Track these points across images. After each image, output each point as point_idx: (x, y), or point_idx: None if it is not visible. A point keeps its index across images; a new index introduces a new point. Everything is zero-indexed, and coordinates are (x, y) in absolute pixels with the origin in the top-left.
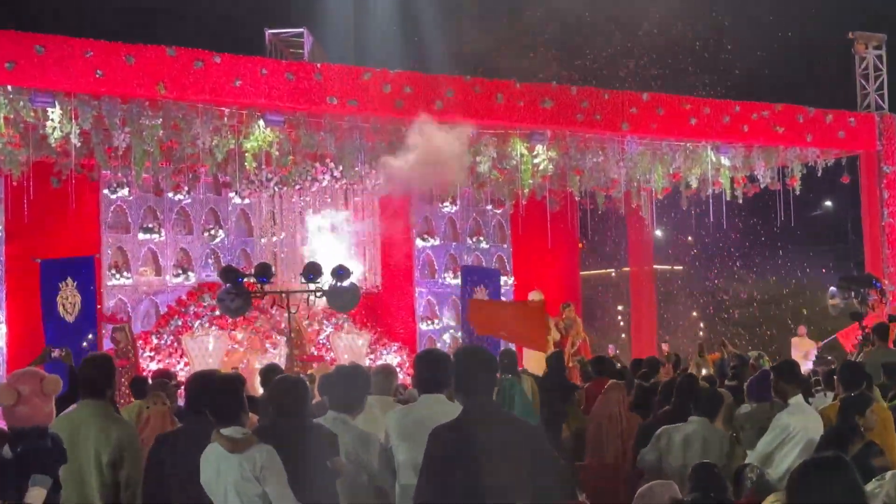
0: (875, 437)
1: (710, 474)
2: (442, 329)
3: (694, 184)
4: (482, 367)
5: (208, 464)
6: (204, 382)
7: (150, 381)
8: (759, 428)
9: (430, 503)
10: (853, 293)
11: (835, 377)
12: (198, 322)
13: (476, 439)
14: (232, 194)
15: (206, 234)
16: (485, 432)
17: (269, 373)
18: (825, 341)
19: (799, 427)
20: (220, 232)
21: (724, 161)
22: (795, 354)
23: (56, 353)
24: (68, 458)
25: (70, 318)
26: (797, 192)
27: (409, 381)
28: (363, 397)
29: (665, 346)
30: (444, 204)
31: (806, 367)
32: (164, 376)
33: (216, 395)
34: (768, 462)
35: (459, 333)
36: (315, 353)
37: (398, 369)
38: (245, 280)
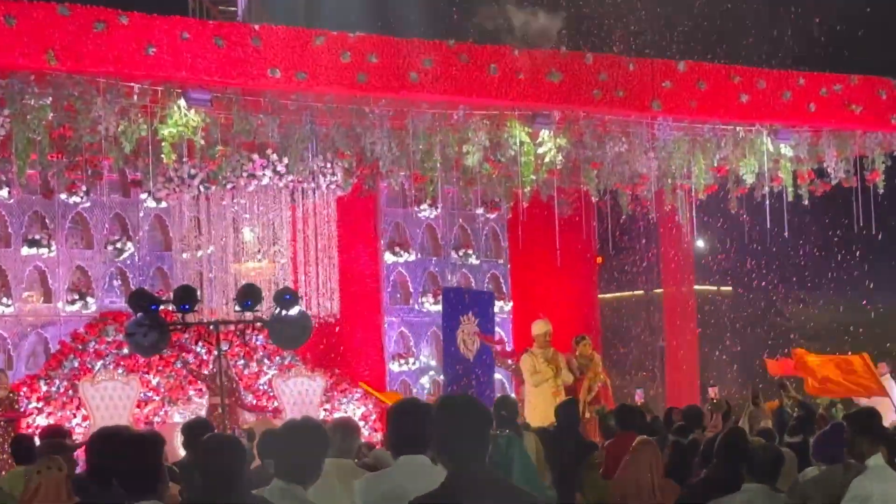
0: None
1: None
2: (419, 371)
3: (747, 180)
4: (472, 422)
5: None
6: (110, 443)
7: (37, 440)
8: (829, 497)
9: None
10: None
11: None
12: (100, 363)
13: None
14: (144, 196)
15: (110, 247)
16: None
17: (194, 430)
18: None
19: (880, 497)
20: (129, 245)
21: (785, 150)
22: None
23: None
24: None
25: None
26: (880, 190)
27: (376, 438)
28: (319, 462)
29: (712, 392)
30: (422, 207)
31: (893, 417)
32: (58, 434)
33: (126, 459)
34: None
35: (442, 376)
36: (254, 402)
37: (362, 423)
38: (162, 308)
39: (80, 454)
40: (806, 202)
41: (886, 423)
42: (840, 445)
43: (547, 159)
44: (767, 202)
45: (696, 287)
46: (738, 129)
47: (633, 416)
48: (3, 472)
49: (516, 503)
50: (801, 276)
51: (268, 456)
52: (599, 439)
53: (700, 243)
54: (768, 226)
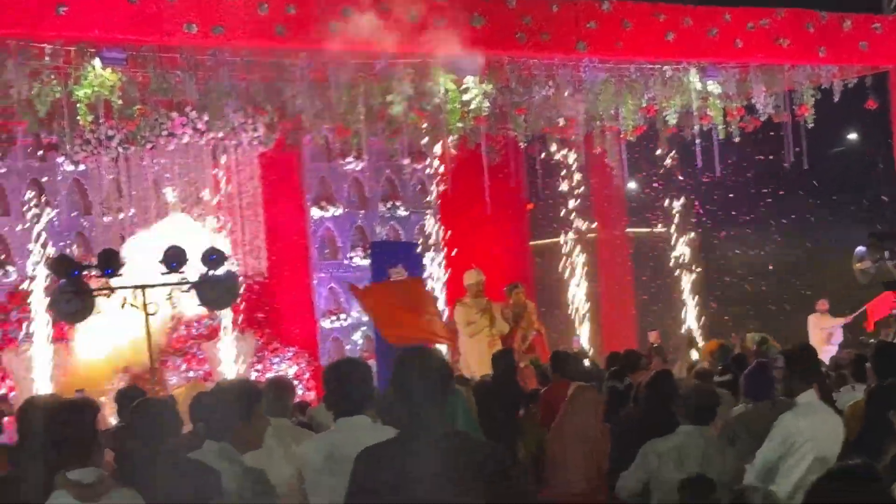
0: None
1: (705, 490)
2: (351, 326)
3: (674, 120)
4: (430, 374)
5: None
6: (42, 411)
7: None
8: (754, 433)
9: None
10: (887, 253)
11: (866, 364)
12: (23, 332)
13: (419, 464)
14: (61, 159)
15: (28, 213)
16: (431, 455)
17: (127, 396)
18: (853, 315)
19: (808, 432)
20: (48, 210)
21: (713, 87)
22: (815, 336)
23: None
24: None
25: None
26: (810, 125)
27: (310, 397)
28: (258, 422)
29: (653, 336)
30: (347, 160)
31: (829, 352)
32: None
33: (59, 427)
34: (770, 477)
35: (373, 332)
36: (182, 366)
37: (295, 382)
38: (84, 273)
39: (8, 423)
40: (737, 140)
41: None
42: (766, 383)
43: (473, 106)
44: (698, 141)
45: (630, 230)
46: (665, 68)
47: (569, 363)
48: None
49: (473, 452)
50: (734, 214)
51: (199, 419)
52: (536, 387)
53: (632, 185)
54: (699, 165)
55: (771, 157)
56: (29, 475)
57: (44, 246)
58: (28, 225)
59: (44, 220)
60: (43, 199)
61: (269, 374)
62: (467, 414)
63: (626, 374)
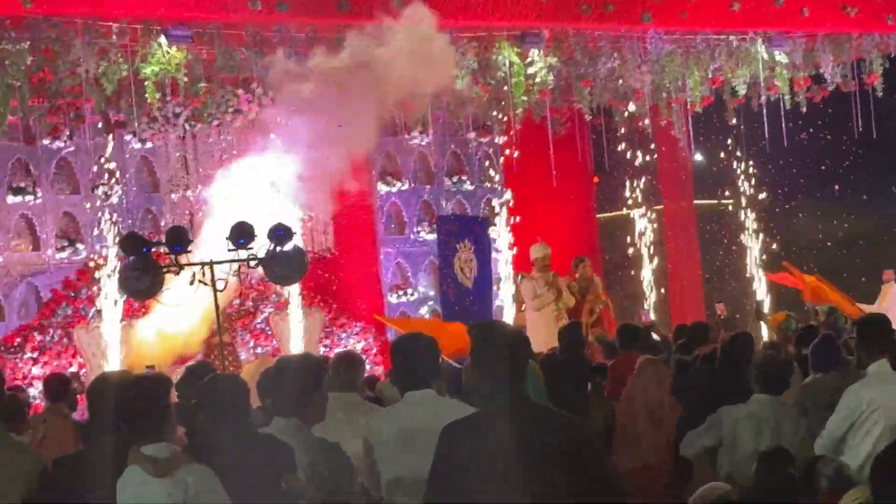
0: None
1: (782, 463)
2: (418, 301)
3: (742, 90)
4: (510, 348)
5: (127, 493)
6: (114, 387)
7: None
8: (820, 404)
9: None
10: None
11: None
12: (93, 309)
13: (504, 438)
14: (129, 137)
15: (97, 191)
16: (516, 428)
17: (196, 372)
18: None
19: (877, 402)
20: (117, 188)
21: (780, 57)
22: (884, 306)
23: None
24: None
25: None
26: (879, 93)
27: (378, 372)
28: (315, 394)
29: (719, 308)
30: (412, 134)
31: None
32: (62, 381)
33: (132, 402)
34: (840, 449)
35: (440, 306)
36: (251, 342)
37: (364, 357)
38: (153, 250)
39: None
40: (804, 110)
41: None
42: (833, 354)
43: (538, 79)
44: (765, 112)
45: (697, 202)
46: (731, 38)
47: (635, 336)
48: None
49: (560, 429)
50: (804, 186)
51: (266, 395)
52: (603, 361)
53: (699, 157)
54: (766, 136)
55: (839, 128)
56: (101, 451)
57: (113, 224)
58: (97, 203)
59: (113, 198)
60: (112, 177)
61: (337, 350)
62: (536, 388)
63: (694, 347)
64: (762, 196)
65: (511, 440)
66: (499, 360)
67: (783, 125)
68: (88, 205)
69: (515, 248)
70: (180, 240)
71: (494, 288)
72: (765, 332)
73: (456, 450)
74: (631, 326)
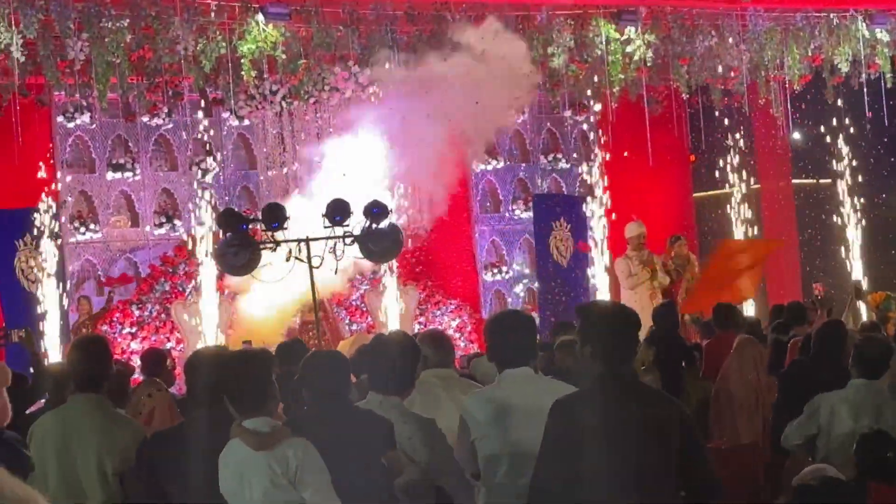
0: None
1: (885, 445)
2: (512, 279)
3: (845, 68)
4: (622, 326)
5: (229, 467)
6: (214, 361)
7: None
8: None
9: (552, 490)
10: None
11: None
12: (191, 285)
13: (614, 415)
14: (226, 114)
15: (194, 168)
16: (625, 408)
17: (290, 349)
18: None
19: None
20: (214, 164)
21: (881, 35)
22: None
23: (15, 335)
24: (59, 468)
25: None
26: None
27: (473, 350)
28: (411, 371)
29: (818, 288)
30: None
31: None
32: (157, 357)
33: (237, 377)
34: None
35: (536, 284)
36: (347, 318)
37: (457, 335)
38: (250, 227)
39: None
40: None
41: None
42: None
43: (635, 57)
44: (865, 90)
45: (795, 181)
46: (831, 15)
47: (732, 316)
48: None
49: (664, 408)
50: None
51: (362, 371)
52: (698, 341)
53: (797, 136)
54: (867, 114)
55: None
56: (201, 425)
57: (210, 200)
58: (195, 180)
59: (210, 175)
60: (210, 155)
61: (432, 327)
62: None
63: (791, 327)
64: (860, 178)
65: (622, 418)
66: (611, 339)
67: (884, 104)
68: (186, 181)
69: (610, 225)
70: (277, 216)
71: (590, 268)
72: (864, 312)
73: (568, 425)
74: (726, 306)
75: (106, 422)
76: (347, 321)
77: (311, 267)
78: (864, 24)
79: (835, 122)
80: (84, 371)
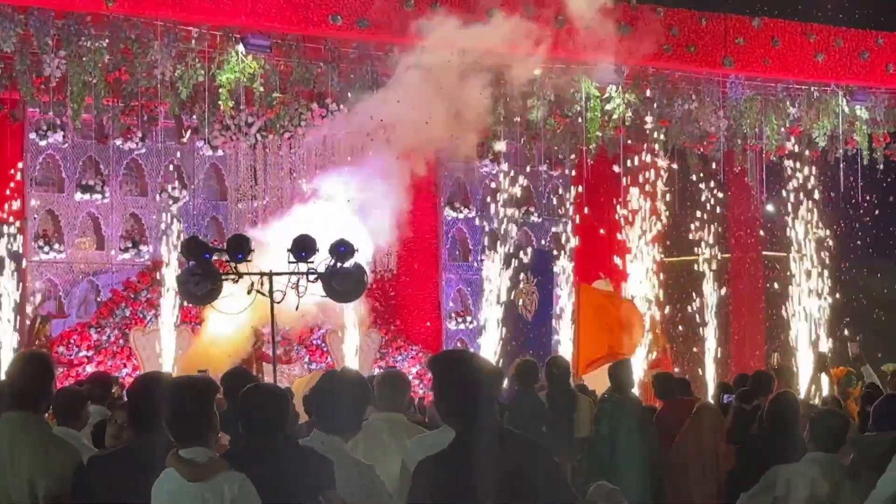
0: None
1: None
2: (477, 330)
3: (822, 142)
4: (470, 377)
5: (161, 495)
6: (162, 386)
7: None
8: (878, 465)
9: None
10: None
11: None
12: (151, 312)
13: (478, 469)
14: (200, 143)
15: (164, 194)
16: (487, 465)
17: (235, 379)
18: None
19: None
20: (184, 193)
21: (861, 112)
22: None
23: None
24: None
25: None
26: None
27: (430, 396)
28: (361, 415)
29: (776, 358)
30: (484, 162)
31: None
32: (104, 380)
33: (177, 404)
34: None
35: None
36: (306, 357)
37: (416, 381)
38: (215, 257)
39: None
40: (881, 167)
41: None
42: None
43: (614, 115)
44: (842, 166)
45: (766, 253)
46: (812, 88)
47: (672, 386)
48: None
49: (526, 456)
50: (875, 243)
51: (311, 410)
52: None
53: (770, 207)
54: (841, 189)
55: None
56: (139, 452)
57: (178, 228)
58: (164, 207)
59: (179, 203)
60: (180, 182)
61: (391, 368)
62: (632, 422)
63: (755, 396)
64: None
65: (483, 476)
66: (465, 395)
67: (858, 180)
68: (155, 208)
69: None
70: (242, 248)
71: (554, 322)
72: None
73: (428, 487)
74: (664, 375)
75: (40, 442)
76: (307, 360)
77: (272, 301)
78: (844, 100)
79: (805, 196)
80: (21, 388)
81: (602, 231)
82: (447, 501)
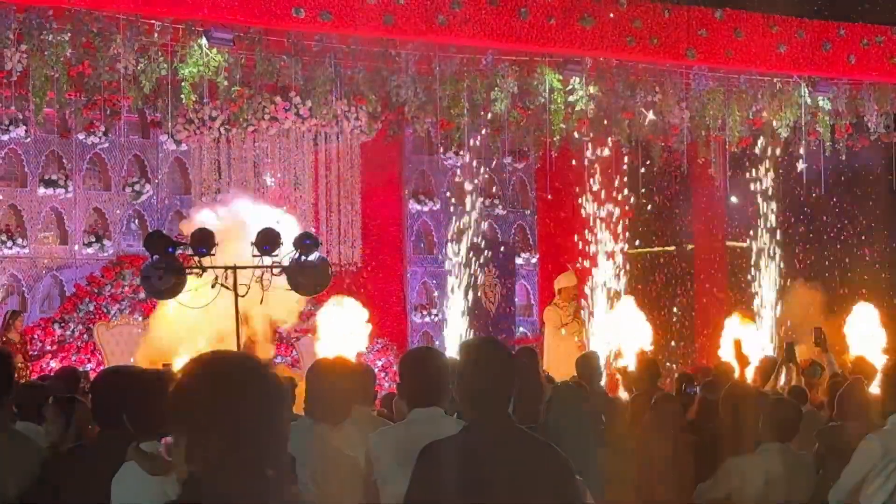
0: None
1: None
2: (442, 322)
3: (784, 133)
4: (498, 370)
5: (121, 489)
6: (121, 380)
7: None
8: (842, 454)
9: None
10: None
11: None
12: (116, 307)
13: (484, 462)
14: (164, 137)
15: (128, 189)
16: (498, 455)
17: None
18: None
19: (894, 453)
20: (147, 187)
21: (823, 103)
22: None
23: None
24: None
25: None
26: None
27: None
28: (349, 403)
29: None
30: (448, 155)
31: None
32: (71, 375)
33: (139, 396)
34: (855, 498)
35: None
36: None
37: (383, 374)
38: (179, 251)
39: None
40: (843, 157)
41: None
42: (858, 402)
43: (577, 108)
44: (803, 156)
45: (729, 243)
46: (775, 80)
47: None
48: None
49: (542, 458)
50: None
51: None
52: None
53: (734, 199)
54: (804, 180)
55: (890, 178)
56: (103, 445)
57: (141, 223)
58: (126, 201)
59: (142, 197)
60: (144, 176)
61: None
62: (596, 419)
63: (720, 387)
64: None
65: (491, 463)
66: (484, 381)
67: (822, 171)
68: (119, 202)
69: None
70: (206, 242)
71: (518, 314)
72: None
73: (433, 468)
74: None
75: (5, 442)
76: (272, 353)
77: (236, 295)
78: (807, 91)
79: (769, 186)
80: None
81: (566, 222)
82: (453, 489)
